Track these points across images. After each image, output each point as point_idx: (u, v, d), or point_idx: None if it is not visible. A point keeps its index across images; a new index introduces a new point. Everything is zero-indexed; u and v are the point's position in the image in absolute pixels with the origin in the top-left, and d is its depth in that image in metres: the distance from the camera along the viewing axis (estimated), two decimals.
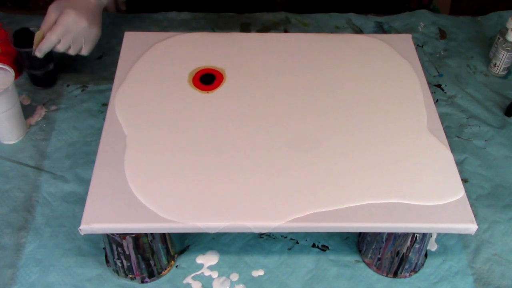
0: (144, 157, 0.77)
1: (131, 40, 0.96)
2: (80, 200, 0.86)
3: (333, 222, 0.71)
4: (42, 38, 0.95)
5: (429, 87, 0.91)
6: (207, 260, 0.81)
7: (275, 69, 0.88)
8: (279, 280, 0.79)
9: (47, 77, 1.03)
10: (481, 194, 0.91)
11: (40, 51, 0.95)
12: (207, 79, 0.89)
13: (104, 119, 0.82)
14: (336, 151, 0.79)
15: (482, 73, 1.13)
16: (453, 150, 0.85)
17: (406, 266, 0.79)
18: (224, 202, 0.72)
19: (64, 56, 0.99)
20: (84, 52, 0.98)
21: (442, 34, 1.21)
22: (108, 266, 0.80)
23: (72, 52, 0.97)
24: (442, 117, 1.01)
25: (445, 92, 1.08)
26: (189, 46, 0.95)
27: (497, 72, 1.12)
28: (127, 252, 0.74)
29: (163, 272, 0.80)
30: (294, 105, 0.86)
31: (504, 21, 1.17)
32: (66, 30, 0.94)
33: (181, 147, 0.79)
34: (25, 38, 0.98)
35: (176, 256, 0.81)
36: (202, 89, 0.88)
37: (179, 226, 0.70)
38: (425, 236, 0.76)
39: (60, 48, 0.96)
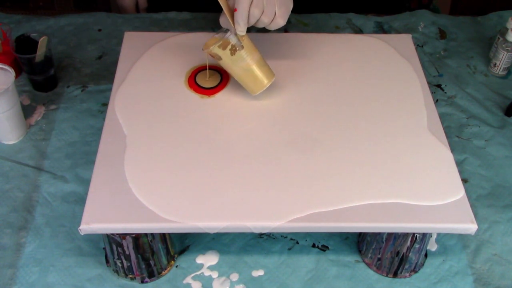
0: (144, 157, 0.77)
1: (131, 40, 0.96)
2: (80, 200, 0.86)
3: (333, 222, 0.71)
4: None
5: (429, 87, 0.91)
6: (207, 260, 0.81)
7: (275, 69, 0.88)
8: (279, 280, 0.79)
9: (48, 82, 1.03)
10: (481, 194, 0.91)
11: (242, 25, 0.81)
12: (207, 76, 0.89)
13: (104, 119, 0.82)
14: (336, 151, 0.79)
15: (482, 73, 1.13)
16: (453, 150, 0.85)
17: (406, 266, 0.79)
18: (224, 202, 0.72)
19: (64, 56, 0.99)
20: (281, 20, 0.81)
21: (442, 34, 1.21)
22: (108, 266, 0.80)
23: (267, 19, 0.80)
24: (442, 117, 1.01)
25: (445, 92, 1.08)
26: (189, 46, 0.95)
27: (497, 72, 1.11)
28: (127, 252, 0.74)
29: (163, 272, 0.79)
30: (294, 105, 0.86)
31: (504, 21, 1.17)
32: None
33: (181, 147, 0.79)
34: (26, 44, 0.98)
35: (176, 256, 0.81)
36: (202, 89, 0.88)
37: (179, 226, 0.70)
38: (425, 236, 0.76)
39: (264, 18, 0.80)
